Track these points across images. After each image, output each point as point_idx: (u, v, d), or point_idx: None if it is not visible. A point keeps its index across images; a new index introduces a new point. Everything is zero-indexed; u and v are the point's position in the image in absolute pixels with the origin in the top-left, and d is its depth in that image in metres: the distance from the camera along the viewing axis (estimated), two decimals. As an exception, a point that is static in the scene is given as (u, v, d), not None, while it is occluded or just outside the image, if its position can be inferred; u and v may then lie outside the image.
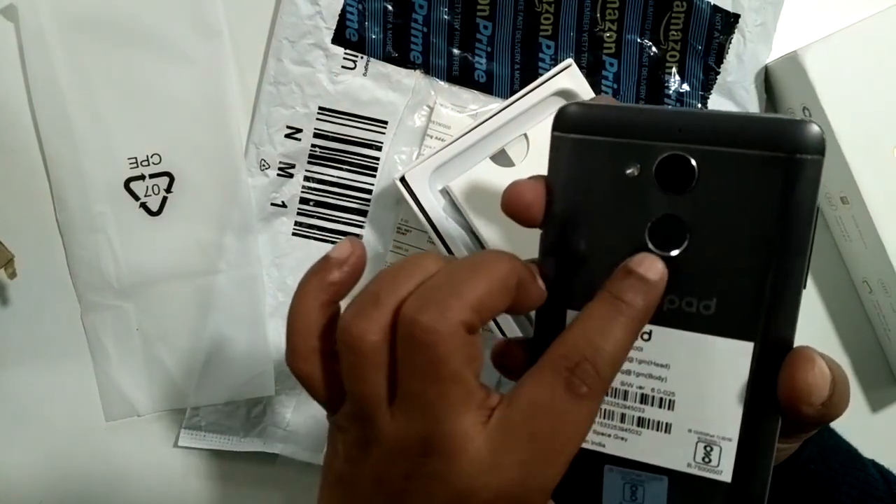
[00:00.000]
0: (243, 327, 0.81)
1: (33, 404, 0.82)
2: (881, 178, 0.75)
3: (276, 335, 0.81)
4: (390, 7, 0.78)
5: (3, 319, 0.81)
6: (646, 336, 0.46)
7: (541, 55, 0.79)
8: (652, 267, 0.44)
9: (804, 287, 0.44)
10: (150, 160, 0.79)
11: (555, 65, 0.78)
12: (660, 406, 0.46)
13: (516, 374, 0.47)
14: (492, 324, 0.74)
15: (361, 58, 0.79)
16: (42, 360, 0.82)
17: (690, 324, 0.45)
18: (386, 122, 0.80)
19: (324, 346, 0.48)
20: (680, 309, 0.45)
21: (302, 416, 0.83)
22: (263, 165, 0.80)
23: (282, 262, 0.81)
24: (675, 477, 0.46)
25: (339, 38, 0.78)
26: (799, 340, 0.45)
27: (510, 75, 0.79)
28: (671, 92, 0.80)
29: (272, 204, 0.81)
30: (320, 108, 0.79)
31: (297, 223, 0.81)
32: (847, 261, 0.84)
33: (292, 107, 0.79)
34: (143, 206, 0.79)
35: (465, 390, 0.43)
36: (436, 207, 0.74)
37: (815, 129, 0.43)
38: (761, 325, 0.44)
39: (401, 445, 0.44)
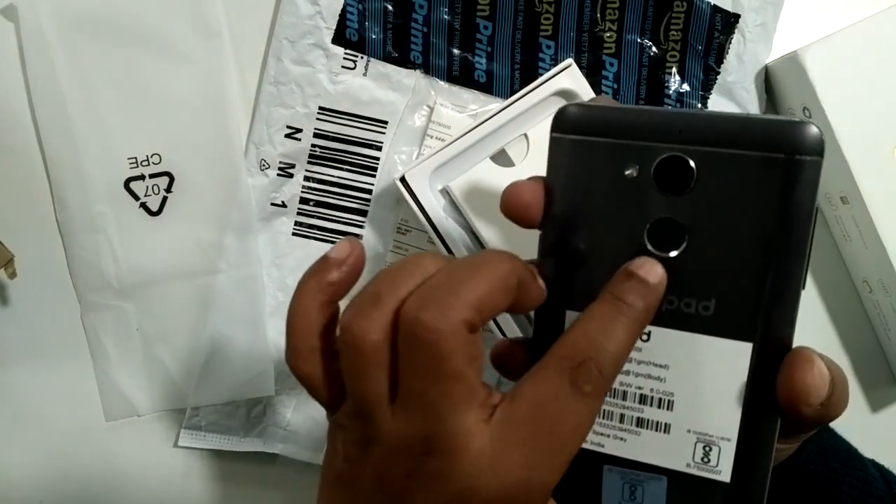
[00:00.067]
0: (243, 327, 0.81)
1: (33, 404, 0.82)
2: (881, 178, 0.75)
3: (276, 335, 0.81)
4: (390, 7, 0.78)
5: (3, 319, 0.81)
6: (645, 337, 0.46)
7: (541, 55, 0.79)
8: (652, 270, 0.44)
9: (803, 288, 0.44)
10: (150, 160, 0.79)
11: (555, 65, 0.78)
12: (659, 406, 0.46)
13: (516, 375, 0.47)
14: (491, 324, 0.74)
15: (361, 58, 0.79)
16: (42, 360, 0.82)
17: (689, 324, 0.45)
18: (386, 122, 0.80)
19: (324, 346, 0.48)
20: (679, 310, 0.45)
21: (302, 416, 0.83)
22: (263, 165, 0.80)
23: (282, 262, 0.81)
24: (674, 477, 0.47)
25: (339, 38, 0.78)
26: (799, 340, 0.45)
27: (510, 75, 0.79)
28: (671, 92, 0.80)
29: (272, 204, 0.81)
30: (320, 108, 0.79)
31: (297, 223, 0.81)
32: (847, 261, 0.84)
33: (292, 107, 0.79)
34: (143, 206, 0.79)
35: (467, 389, 0.43)
36: (436, 207, 0.74)
37: (814, 130, 0.43)
38: (760, 326, 0.44)
39: (402, 444, 0.44)
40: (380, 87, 0.79)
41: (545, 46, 0.79)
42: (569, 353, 0.43)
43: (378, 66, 0.79)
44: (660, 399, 0.46)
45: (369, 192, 0.81)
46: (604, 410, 0.47)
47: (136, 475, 0.84)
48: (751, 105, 0.81)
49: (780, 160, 0.43)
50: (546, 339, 0.45)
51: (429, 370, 0.42)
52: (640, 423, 0.47)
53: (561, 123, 0.47)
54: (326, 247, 0.80)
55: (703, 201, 0.44)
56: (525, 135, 0.76)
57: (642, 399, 0.47)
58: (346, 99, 0.79)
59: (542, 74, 0.75)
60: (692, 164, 0.44)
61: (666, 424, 0.46)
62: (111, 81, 0.78)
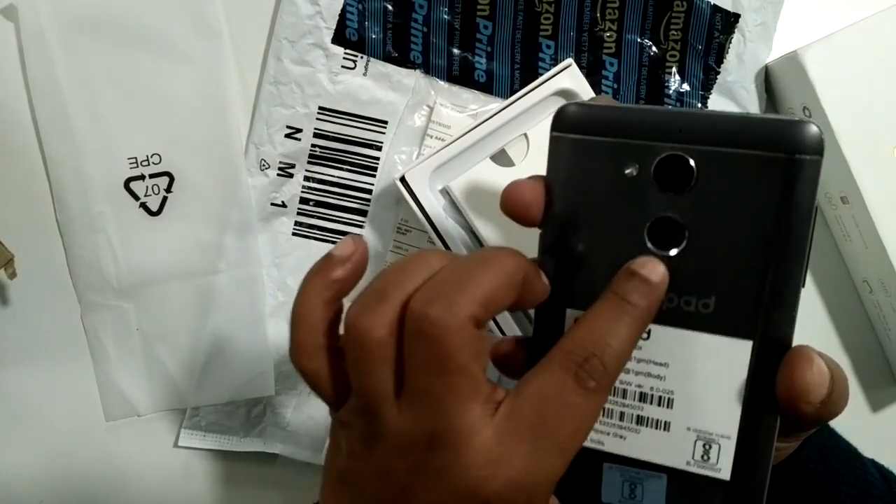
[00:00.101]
0: (243, 327, 0.81)
1: (33, 404, 0.82)
2: (881, 178, 0.75)
3: (276, 335, 0.82)
4: (390, 7, 0.78)
5: (3, 319, 0.81)
6: (645, 335, 0.46)
7: (541, 55, 0.79)
8: (654, 269, 0.45)
9: (803, 286, 0.44)
10: (150, 160, 0.79)
11: (555, 65, 0.78)
12: (659, 404, 0.46)
13: (515, 373, 0.47)
14: (491, 322, 0.74)
15: (361, 58, 0.79)
16: (42, 360, 0.82)
17: (689, 322, 0.45)
18: (386, 122, 0.80)
19: (328, 343, 0.48)
20: (679, 308, 0.45)
21: (302, 416, 0.83)
22: (263, 165, 0.80)
23: (282, 262, 0.81)
24: (673, 475, 0.47)
25: (339, 38, 0.78)
26: (799, 340, 0.45)
27: (510, 75, 0.79)
28: (671, 92, 0.80)
29: (272, 204, 0.81)
30: (320, 107, 0.79)
31: (297, 223, 0.81)
32: (847, 261, 0.84)
33: (292, 107, 0.79)
34: (143, 206, 0.79)
35: (473, 384, 0.43)
36: (436, 207, 0.74)
37: (813, 129, 0.43)
38: (760, 324, 0.44)
39: (407, 440, 0.44)
40: (380, 87, 0.79)
41: (545, 46, 0.79)
42: (574, 349, 0.44)
43: (378, 65, 0.79)
44: (660, 397, 0.46)
45: (369, 192, 0.81)
46: (604, 408, 0.47)
47: (136, 475, 0.84)
48: (751, 105, 0.81)
49: (780, 159, 0.43)
50: (546, 337, 0.45)
51: (435, 365, 0.42)
52: (640, 420, 0.47)
53: (561, 122, 0.47)
54: (326, 247, 0.80)
55: (702, 200, 0.44)
56: (525, 135, 0.76)
57: (642, 397, 0.47)
58: (346, 99, 0.79)
59: (542, 74, 0.75)
60: (692, 163, 0.44)
61: (666, 422, 0.46)
62: (111, 81, 0.78)
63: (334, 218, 0.81)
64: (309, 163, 0.80)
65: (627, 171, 0.46)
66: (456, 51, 0.79)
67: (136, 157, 0.79)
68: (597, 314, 0.45)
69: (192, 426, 0.83)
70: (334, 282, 0.48)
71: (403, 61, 0.79)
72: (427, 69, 0.79)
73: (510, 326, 0.74)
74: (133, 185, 0.79)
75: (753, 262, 0.44)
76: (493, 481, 0.43)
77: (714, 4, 0.79)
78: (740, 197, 0.44)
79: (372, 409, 0.45)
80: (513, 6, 0.78)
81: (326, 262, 0.49)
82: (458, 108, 0.80)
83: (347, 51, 0.79)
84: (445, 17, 0.78)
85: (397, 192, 0.74)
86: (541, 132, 0.75)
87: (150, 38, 0.78)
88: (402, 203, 0.77)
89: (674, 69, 0.80)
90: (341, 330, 0.47)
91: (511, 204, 0.48)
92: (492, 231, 0.74)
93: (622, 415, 0.47)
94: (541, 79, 0.74)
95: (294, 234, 0.81)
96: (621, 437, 0.47)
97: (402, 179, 0.73)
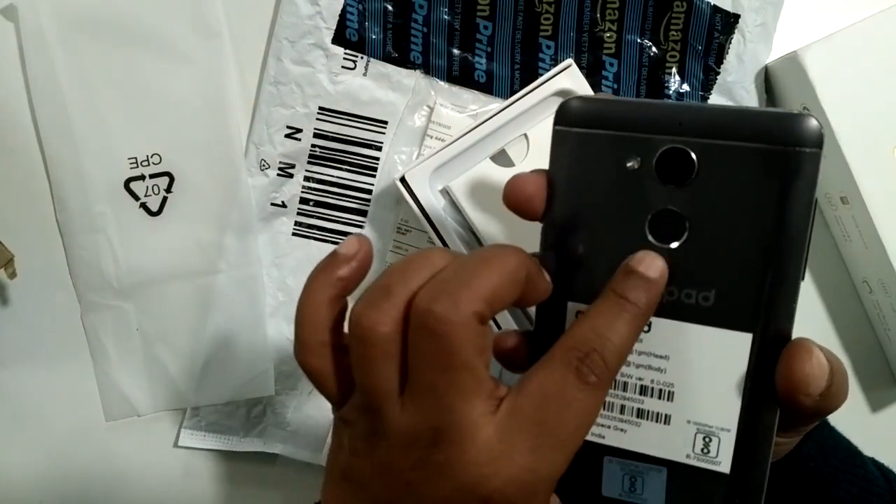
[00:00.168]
0: (243, 327, 0.81)
1: (33, 404, 0.83)
2: (881, 178, 0.75)
3: (276, 335, 0.82)
4: (390, 7, 0.78)
5: (3, 319, 0.81)
6: (646, 328, 0.46)
7: (541, 55, 0.79)
8: (652, 265, 0.45)
9: (802, 279, 0.44)
10: (150, 160, 0.79)
11: (555, 65, 0.78)
12: (659, 397, 0.46)
13: (517, 367, 0.47)
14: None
15: (361, 58, 0.79)
16: (42, 360, 0.82)
17: (689, 315, 0.46)
18: (386, 122, 0.80)
19: (332, 341, 0.49)
20: (679, 300, 0.46)
21: (302, 416, 0.83)
22: (263, 165, 0.80)
23: (282, 262, 0.81)
24: (674, 468, 0.47)
25: (339, 38, 0.78)
26: (798, 339, 0.45)
27: (510, 75, 0.80)
28: (671, 92, 0.80)
29: (272, 204, 0.81)
30: (320, 108, 0.79)
31: (297, 223, 0.81)
32: (847, 261, 0.84)
33: (292, 107, 0.79)
34: (143, 206, 0.79)
35: (476, 380, 0.43)
36: (436, 207, 0.74)
37: (813, 122, 0.43)
38: (760, 317, 0.44)
39: (410, 437, 0.44)
40: (380, 87, 0.80)
41: (545, 46, 0.79)
42: (575, 345, 0.44)
43: (378, 66, 0.79)
44: (660, 390, 0.46)
45: (369, 192, 0.81)
46: (604, 402, 0.48)
47: (136, 475, 0.84)
48: (750, 105, 0.81)
49: (780, 152, 0.43)
50: (548, 331, 0.45)
51: (439, 361, 0.43)
52: (640, 413, 0.47)
53: (563, 116, 0.48)
54: (327, 247, 0.81)
55: (703, 193, 0.45)
56: (525, 135, 0.76)
57: (643, 390, 0.47)
58: (346, 99, 0.79)
59: (542, 74, 0.75)
60: (693, 155, 0.44)
61: (666, 415, 0.46)
62: (111, 81, 0.78)
63: (334, 218, 0.81)
64: (309, 163, 0.80)
65: (629, 164, 0.46)
66: (456, 51, 0.79)
67: (136, 157, 0.79)
68: (597, 311, 0.45)
69: (192, 426, 0.83)
70: (339, 280, 0.49)
71: (403, 61, 0.79)
72: (427, 69, 0.79)
73: (508, 324, 0.74)
74: (133, 185, 0.79)
75: (753, 255, 0.44)
76: (495, 478, 0.43)
77: (714, 5, 0.79)
78: (741, 190, 0.44)
79: (375, 405, 0.45)
80: (513, 6, 0.78)
81: (331, 261, 0.49)
82: (458, 109, 0.80)
83: (347, 51, 0.79)
84: (445, 17, 0.79)
85: (397, 192, 0.74)
86: (541, 132, 0.75)
87: (150, 38, 0.78)
88: (402, 203, 0.77)
89: (674, 69, 0.80)
90: (345, 328, 0.47)
91: (513, 197, 0.49)
92: (492, 231, 0.74)
93: (623, 408, 0.47)
94: (541, 79, 0.74)
95: (294, 234, 0.81)
96: (622, 430, 0.48)
97: (402, 179, 0.74)
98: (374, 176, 0.80)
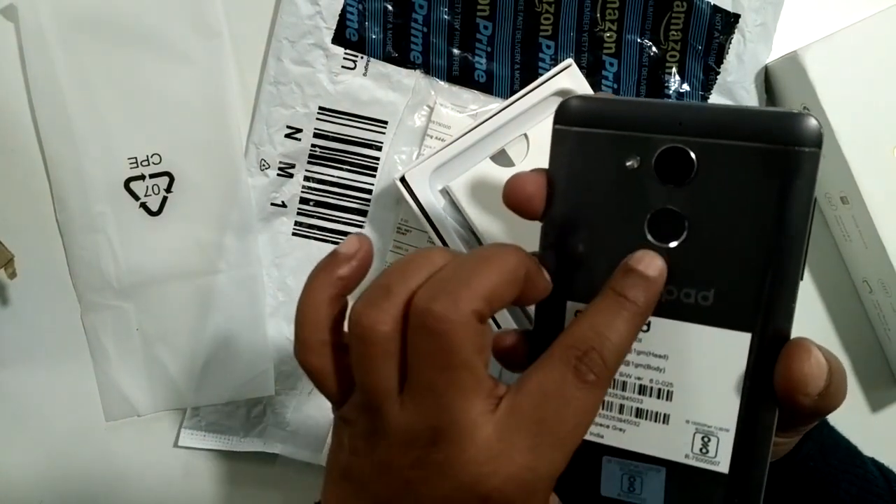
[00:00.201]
0: (243, 327, 0.81)
1: (33, 404, 0.83)
2: (881, 178, 0.75)
3: (276, 335, 0.82)
4: (390, 7, 0.78)
5: (3, 319, 0.81)
6: (645, 327, 0.46)
7: (541, 55, 0.79)
8: (651, 263, 0.45)
9: (801, 279, 0.44)
10: (150, 160, 0.79)
11: (555, 65, 0.78)
12: (658, 397, 0.46)
13: (516, 366, 0.47)
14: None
15: (361, 58, 0.79)
16: (42, 360, 0.82)
17: (688, 315, 0.46)
18: (386, 122, 0.80)
19: (333, 340, 0.49)
20: (678, 300, 0.46)
21: (302, 416, 0.83)
22: (263, 165, 0.80)
23: (282, 262, 0.81)
24: (672, 468, 0.47)
25: (339, 38, 0.78)
26: (798, 339, 0.45)
27: (510, 75, 0.80)
28: (671, 92, 0.80)
29: (272, 204, 0.81)
30: (320, 108, 0.79)
31: (297, 223, 0.81)
32: (847, 261, 0.84)
33: (292, 107, 0.79)
34: (143, 206, 0.79)
35: (475, 378, 0.43)
36: (436, 207, 0.74)
37: (812, 121, 0.43)
38: (759, 317, 0.44)
39: (409, 436, 0.44)
40: (380, 87, 0.80)
41: (545, 46, 0.79)
42: (573, 343, 0.44)
43: (378, 66, 0.79)
44: (659, 389, 0.46)
45: (369, 192, 0.81)
46: (604, 401, 0.48)
47: (136, 475, 0.84)
48: (750, 105, 0.81)
49: (780, 151, 0.43)
50: (547, 330, 0.45)
51: (438, 360, 0.43)
52: (639, 413, 0.47)
53: (563, 116, 0.48)
54: (327, 247, 0.81)
55: (703, 192, 0.45)
56: (525, 135, 0.76)
57: (642, 389, 0.47)
58: (346, 99, 0.79)
59: (542, 74, 0.75)
60: (692, 155, 0.44)
61: (665, 415, 0.46)
62: (111, 81, 0.78)
63: (334, 218, 0.81)
64: (309, 163, 0.80)
65: (628, 164, 0.46)
66: (456, 51, 0.79)
67: (136, 157, 0.79)
68: (596, 310, 0.45)
69: (192, 426, 0.83)
70: (339, 279, 0.49)
71: (403, 61, 0.79)
72: (427, 69, 0.79)
73: (507, 323, 0.74)
74: (133, 185, 0.79)
75: (752, 255, 0.44)
76: (494, 477, 0.43)
77: (714, 5, 0.79)
78: (740, 189, 0.44)
79: (375, 404, 0.45)
80: (513, 6, 0.78)
81: (332, 260, 0.49)
82: (458, 108, 0.80)
83: (347, 51, 0.79)
84: (445, 17, 0.79)
85: (397, 192, 0.74)
86: (541, 132, 0.75)
87: (150, 38, 0.78)
88: (402, 203, 0.77)
89: (674, 69, 0.80)
90: (345, 327, 0.47)
91: (513, 196, 0.49)
92: (492, 231, 0.74)
93: (622, 407, 0.47)
94: (541, 79, 0.74)
95: (294, 234, 0.81)
96: (621, 429, 0.47)
97: (402, 179, 0.74)
98: (374, 176, 0.80)
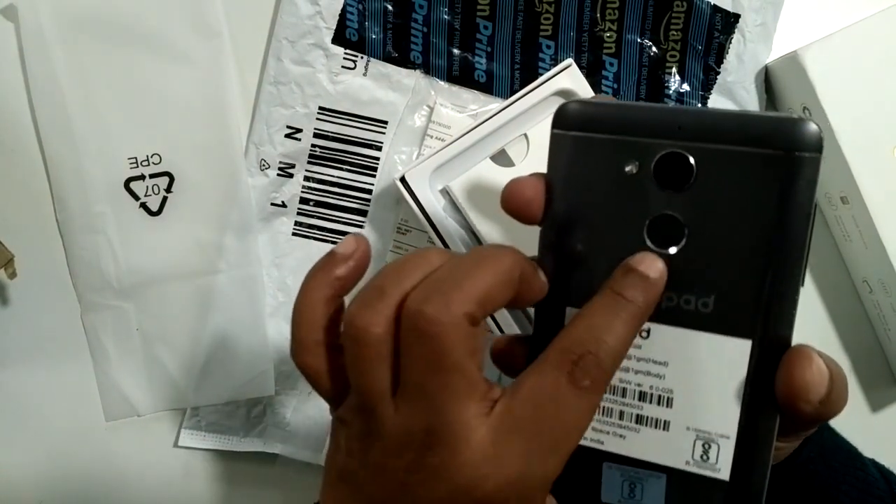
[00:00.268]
0: (243, 327, 0.81)
1: (33, 404, 0.83)
2: (881, 178, 0.75)
3: (276, 335, 0.82)
4: (390, 7, 0.78)
5: (3, 319, 0.81)
6: (644, 334, 0.46)
7: (541, 55, 0.79)
8: (652, 265, 0.44)
9: (802, 285, 0.44)
10: (150, 160, 0.79)
11: (555, 65, 0.78)
12: (658, 404, 0.46)
13: (516, 371, 0.47)
14: (490, 322, 0.74)
15: (361, 58, 0.79)
16: (42, 360, 0.82)
17: (688, 321, 0.45)
18: (386, 122, 0.80)
19: (329, 340, 0.49)
20: (678, 306, 0.45)
21: (302, 416, 0.83)
22: (263, 165, 0.80)
23: (282, 262, 0.81)
24: (673, 474, 0.46)
25: (339, 38, 0.78)
26: (799, 340, 0.45)
27: (510, 75, 0.79)
28: (671, 92, 0.80)
29: (272, 204, 0.81)
30: (320, 108, 0.79)
31: (297, 223, 0.81)
32: (847, 261, 0.84)
33: (292, 107, 0.79)
34: (143, 206, 0.79)
35: (467, 381, 0.43)
36: (436, 207, 0.74)
37: (812, 127, 0.43)
38: (759, 323, 0.44)
39: (403, 438, 0.44)
40: (380, 87, 0.79)
41: (545, 46, 0.79)
42: (569, 347, 0.44)
43: (378, 66, 0.79)
44: (659, 396, 0.46)
45: (369, 192, 0.81)
46: (603, 407, 0.47)
47: (136, 475, 0.84)
48: (751, 105, 0.81)
49: (780, 157, 0.43)
50: (546, 335, 0.45)
51: (429, 362, 0.42)
52: (639, 420, 0.47)
53: (562, 120, 0.47)
54: (327, 247, 0.80)
55: (702, 198, 0.44)
56: (525, 135, 0.76)
57: (642, 396, 0.47)
58: (346, 99, 0.79)
59: (542, 74, 0.75)
60: (692, 160, 0.44)
61: (665, 422, 0.46)
62: (111, 81, 0.78)
63: (334, 218, 0.81)
64: (309, 163, 0.80)
65: (627, 169, 0.46)
66: (456, 51, 0.79)
67: (136, 157, 0.79)
68: (593, 311, 0.45)
69: (192, 426, 0.83)
70: (336, 279, 0.48)
71: (403, 61, 0.79)
72: (427, 69, 0.79)
73: (509, 325, 0.74)
74: (133, 185, 0.79)
75: (753, 261, 0.44)
76: (488, 481, 0.43)
77: (714, 4, 0.79)
78: (740, 195, 0.44)
79: (369, 406, 0.45)
80: (513, 6, 0.78)
81: (329, 260, 0.49)
82: (458, 108, 0.80)
83: (347, 51, 0.79)
84: (445, 17, 0.78)
85: (397, 192, 0.74)
86: (541, 132, 0.75)
87: (150, 38, 0.78)
88: (402, 203, 0.77)
89: (674, 69, 0.80)
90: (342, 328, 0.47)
91: (512, 201, 0.48)
92: (492, 231, 0.74)
93: (622, 414, 0.47)
94: (541, 79, 0.74)
95: (294, 234, 0.81)
96: (621, 436, 0.47)
97: (402, 179, 0.74)
98: (374, 176, 0.80)
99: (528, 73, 0.79)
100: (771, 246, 0.44)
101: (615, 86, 0.80)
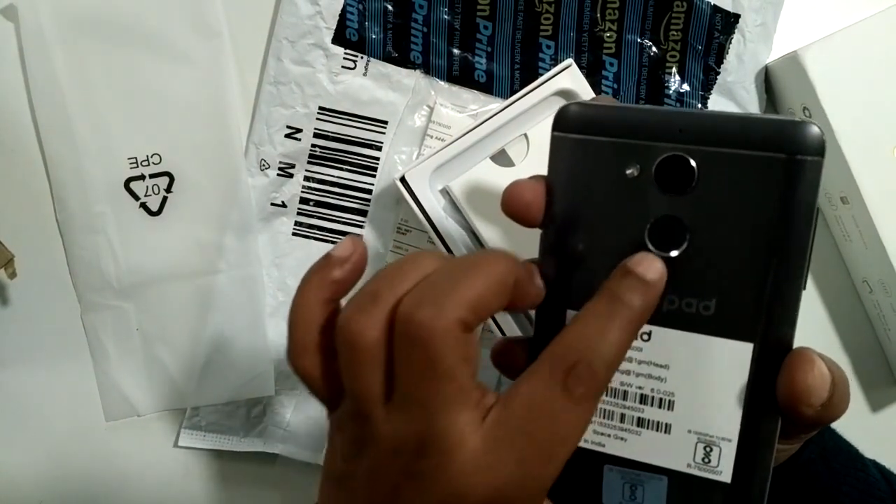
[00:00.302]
0: (243, 327, 0.81)
1: (33, 404, 0.83)
2: (881, 178, 0.75)
3: (276, 335, 0.82)
4: (390, 7, 0.78)
5: (3, 319, 0.81)
6: (645, 336, 0.46)
7: (541, 55, 0.79)
8: (651, 267, 0.44)
9: (804, 288, 0.44)
10: (150, 160, 0.79)
11: (555, 65, 0.78)
12: (659, 406, 0.46)
13: (516, 373, 0.47)
14: (491, 323, 0.74)
15: (361, 58, 0.79)
16: (42, 360, 0.82)
17: (690, 324, 0.45)
18: (386, 122, 0.80)
19: (324, 343, 0.48)
20: (680, 309, 0.45)
21: (302, 416, 0.83)
22: (263, 165, 0.80)
23: (282, 262, 0.81)
24: (674, 477, 0.46)
25: (339, 38, 0.78)
26: (799, 341, 0.45)
27: (510, 75, 0.79)
28: (671, 92, 0.80)
29: (272, 204, 0.81)
30: (320, 108, 0.79)
31: (297, 223, 0.81)
32: (847, 261, 0.84)
33: (292, 107, 0.79)
34: (143, 206, 0.79)
35: (459, 388, 0.43)
36: (436, 207, 0.74)
37: (814, 130, 0.43)
38: (761, 326, 0.44)
39: (396, 444, 0.44)
40: (380, 87, 0.79)
41: (545, 46, 0.79)
42: (562, 354, 0.43)
43: (378, 66, 0.79)
44: (660, 399, 0.46)
45: (369, 192, 0.81)
46: (604, 410, 0.47)
47: (136, 475, 0.84)
48: (751, 105, 0.81)
49: (781, 160, 0.43)
50: (546, 339, 0.45)
51: (421, 369, 0.42)
52: (640, 422, 0.47)
53: (562, 122, 0.47)
54: (326, 247, 0.80)
55: (704, 201, 0.44)
56: (525, 135, 0.76)
57: (643, 399, 0.47)
58: (346, 99, 0.79)
59: (542, 74, 0.75)
60: (693, 163, 0.44)
61: (666, 424, 0.46)
62: (111, 81, 0.78)
63: (334, 218, 0.81)
64: (309, 163, 0.80)
65: (628, 172, 0.45)
66: (456, 51, 0.79)
67: (136, 157, 0.79)
68: (588, 315, 0.44)
69: (192, 426, 0.83)
70: (333, 282, 0.48)
71: (403, 61, 0.79)
72: (427, 69, 0.79)
73: (511, 327, 0.74)
74: (133, 185, 0.79)
75: (754, 264, 0.44)
76: (480, 489, 0.42)
77: (714, 5, 0.79)
78: (741, 198, 0.44)
79: (363, 411, 0.44)
80: (513, 6, 0.78)
81: (325, 263, 0.48)
82: (458, 108, 0.80)
83: (347, 51, 0.79)
84: (445, 17, 0.78)
85: (397, 192, 0.74)
86: (541, 132, 0.75)
87: (150, 38, 0.78)
88: (402, 203, 0.77)
89: (674, 69, 0.80)
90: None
91: (512, 204, 0.48)
92: (492, 231, 0.74)
93: (623, 416, 0.47)
94: (541, 79, 0.74)
95: (294, 234, 0.81)
96: (622, 438, 0.47)
97: (402, 179, 0.73)
98: (374, 176, 0.80)
99: (528, 73, 0.79)
100: (773, 250, 0.43)
101: (615, 86, 0.80)
